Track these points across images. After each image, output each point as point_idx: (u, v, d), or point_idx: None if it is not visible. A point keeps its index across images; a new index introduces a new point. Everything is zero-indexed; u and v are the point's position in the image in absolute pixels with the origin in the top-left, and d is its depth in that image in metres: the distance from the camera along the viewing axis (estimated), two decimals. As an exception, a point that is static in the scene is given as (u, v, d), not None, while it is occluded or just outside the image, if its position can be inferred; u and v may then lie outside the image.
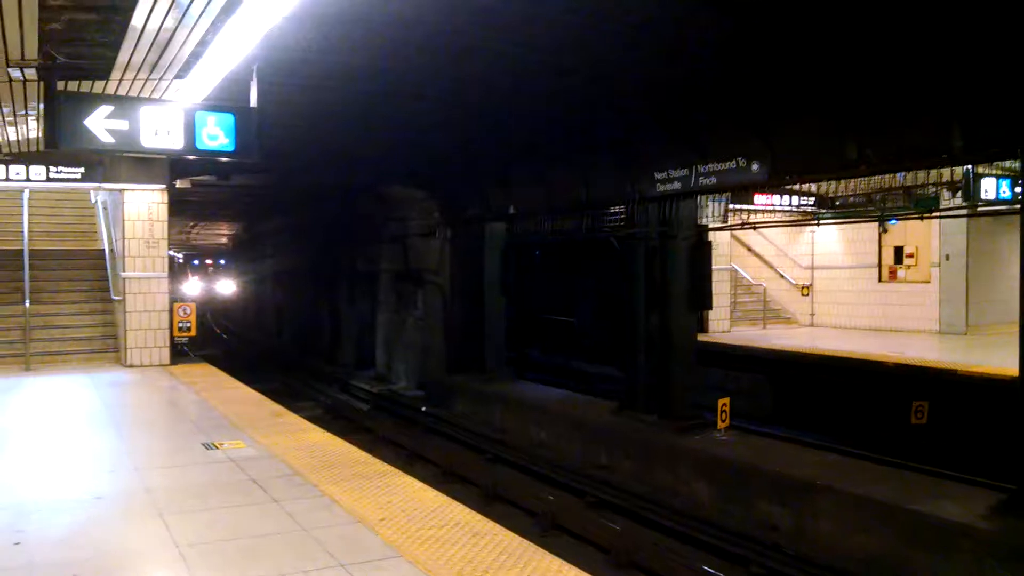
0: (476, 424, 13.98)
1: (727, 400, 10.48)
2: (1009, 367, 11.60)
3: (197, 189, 15.43)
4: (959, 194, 14.86)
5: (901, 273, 17.92)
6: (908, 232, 17.62)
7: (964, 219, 15.74)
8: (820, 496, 8.14)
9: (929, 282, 17.21)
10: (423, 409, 15.52)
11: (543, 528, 8.88)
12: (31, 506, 5.78)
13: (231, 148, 7.49)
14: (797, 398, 14.17)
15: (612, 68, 8.30)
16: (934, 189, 15.89)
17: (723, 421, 10.33)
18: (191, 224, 28.16)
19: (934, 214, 14.40)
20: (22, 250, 14.03)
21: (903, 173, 15.39)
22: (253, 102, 7.53)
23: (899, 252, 17.96)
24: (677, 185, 10.48)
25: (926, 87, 7.60)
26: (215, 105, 7.63)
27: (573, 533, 8.80)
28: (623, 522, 8.99)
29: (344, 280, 22.63)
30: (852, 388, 13.15)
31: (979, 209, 14.20)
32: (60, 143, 6.97)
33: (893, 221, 17.32)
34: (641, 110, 10.25)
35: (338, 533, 5.17)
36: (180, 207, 19.47)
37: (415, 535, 5.11)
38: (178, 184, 13.31)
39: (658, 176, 10.75)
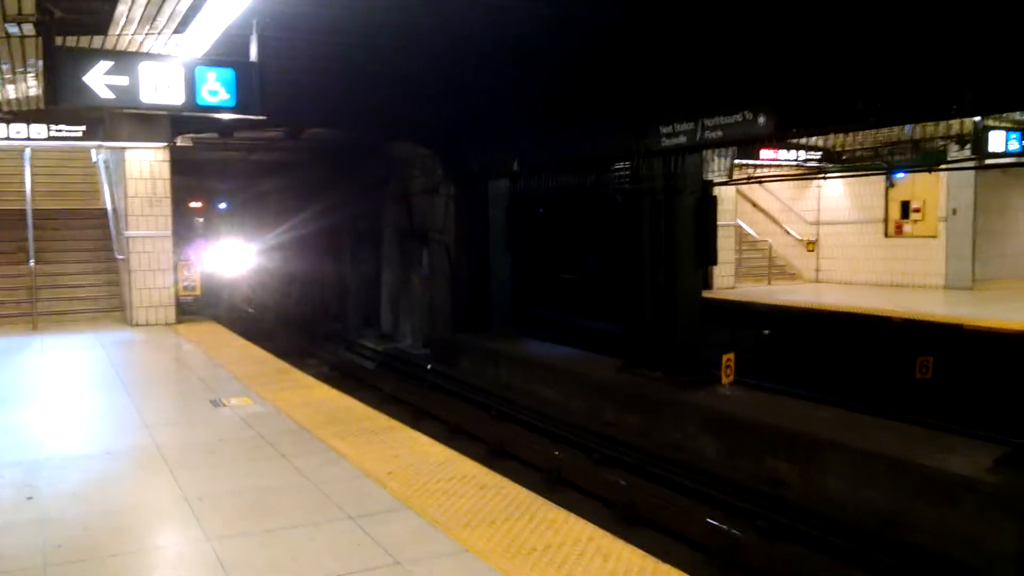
0: (482, 382, 14.03)
1: (732, 356, 10.48)
2: (1015, 321, 11.61)
3: (197, 147, 15.35)
4: (967, 147, 14.70)
5: (908, 228, 17.78)
6: (915, 186, 17.45)
7: (972, 173, 15.58)
8: (827, 451, 8.17)
9: (936, 237, 17.08)
10: (429, 367, 15.58)
11: (550, 483, 8.95)
12: (43, 462, 5.83)
13: (232, 104, 7.40)
14: (802, 353, 14.18)
15: (614, 19, 8.16)
16: (942, 142, 15.71)
17: (728, 376, 10.35)
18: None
19: (942, 167, 14.22)
20: (25, 210, 14.02)
21: (911, 126, 15.20)
22: (253, 56, 7.42)
23: (906, 207, 17.80)
24: (683, 139, 10.36)
25: (936, 37, 7.46)
26: (215, 60, 7.52)
27: (580, 488, 8.88)
28: (629, 477, 9.05)
29: (349, 239, 22.58)
30: (857, 343, 13.15)
31: (987, 162, 14.05)
32: (60, 100, 6.90)
33: (900, 175, 17.14)
34: (645, 61, 10.10)
35: (346, 487, 5.21)
36: (181, 167, 19.33)
37: (422, 488, 5.15)
38: (179, 141, 13.21)
39: (663, 130, 10.63)
